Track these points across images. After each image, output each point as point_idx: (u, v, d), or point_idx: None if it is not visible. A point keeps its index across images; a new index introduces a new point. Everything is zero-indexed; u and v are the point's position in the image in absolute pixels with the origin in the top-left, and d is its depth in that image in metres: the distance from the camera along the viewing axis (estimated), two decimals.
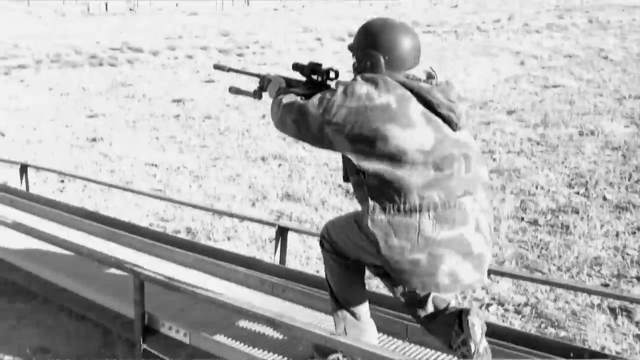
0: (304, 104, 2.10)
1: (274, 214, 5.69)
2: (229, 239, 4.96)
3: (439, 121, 2.05)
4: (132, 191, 5.16)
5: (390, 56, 2.08)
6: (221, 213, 4.77)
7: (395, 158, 1.97)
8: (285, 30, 38.98)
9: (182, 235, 4.85)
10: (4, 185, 5.49)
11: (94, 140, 9.27)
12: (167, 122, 10.74)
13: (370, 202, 2.03)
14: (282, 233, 3.63)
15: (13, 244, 3.78)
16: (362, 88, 2.02)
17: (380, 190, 2.00)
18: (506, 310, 3.70)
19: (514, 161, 7.03)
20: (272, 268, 3.48)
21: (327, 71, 2.33)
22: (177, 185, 6.65)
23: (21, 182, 5.13)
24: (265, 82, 2.37)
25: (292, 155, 7.81)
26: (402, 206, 1.96)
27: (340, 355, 2.29)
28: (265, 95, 2.48)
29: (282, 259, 3.62)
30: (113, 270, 3.18)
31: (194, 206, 4.66)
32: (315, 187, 6.39)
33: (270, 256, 4.05)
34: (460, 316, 2.10)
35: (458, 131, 2.08)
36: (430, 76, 2.14)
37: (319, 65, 2.33)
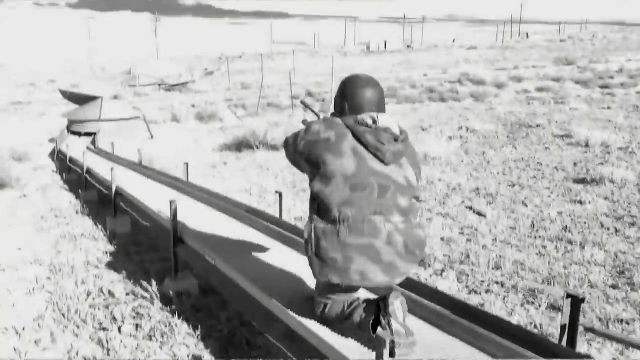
0: (288, 138, 2.65)
1: None
2: None
3: (368, 156, 2.41)
4: None
5: (351, 103, 2.52)
6: None
7: (327, 178, 2.39)
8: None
9: None
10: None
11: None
12: None
13: (313, 214, 2.46)
14: None
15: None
16: (316, 126, 2.50)
17: (318, 206, 2.43)
18: None
19: None
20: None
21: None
22: None
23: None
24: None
25: None
26: (329, 219, 2.38)
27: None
28: None
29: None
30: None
31: None
32: None
33: None
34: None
35: (388, 166, 2.43)
36: (374, 121, 2.45)
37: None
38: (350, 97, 2.51)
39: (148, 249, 5.35)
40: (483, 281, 3.98)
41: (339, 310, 2.46)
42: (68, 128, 13.86)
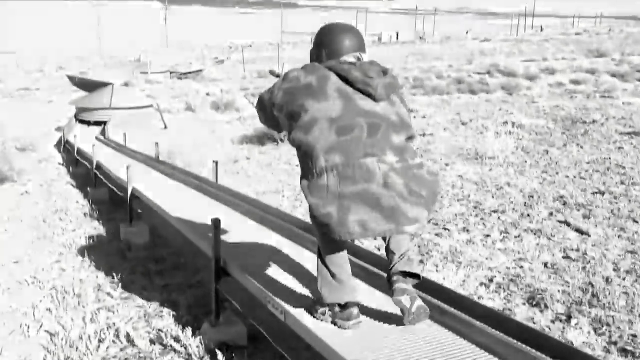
0: (262, 94, 2.36)
1: None
2: None
3: (356, 95, 2.16)
4: None
5: (329, 50, 2.28)
6: None
7: (309, 126, 2.12)
8: None
9: None
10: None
11: None
12: None
13: (301, 172, 2.22)
14: None
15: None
16: (294, 73, 2.24)
17: (303, 161, 2.17)
18: None
19: None
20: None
21: None
22: None
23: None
24: None
25: None
26: (315, 170, 2.11)
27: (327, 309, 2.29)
28: None
29: None
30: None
31: None
32: None
33: None
34: (390, 282, 2.21)
35: (378, 102, 2.18)
36: (358, 59, 2.26)
37: None
38: (327, 44, 2.29)
39: (172, 268, 4.32)
40: (635, 336, 2.91)
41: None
42: (76, 116, 12.81)
